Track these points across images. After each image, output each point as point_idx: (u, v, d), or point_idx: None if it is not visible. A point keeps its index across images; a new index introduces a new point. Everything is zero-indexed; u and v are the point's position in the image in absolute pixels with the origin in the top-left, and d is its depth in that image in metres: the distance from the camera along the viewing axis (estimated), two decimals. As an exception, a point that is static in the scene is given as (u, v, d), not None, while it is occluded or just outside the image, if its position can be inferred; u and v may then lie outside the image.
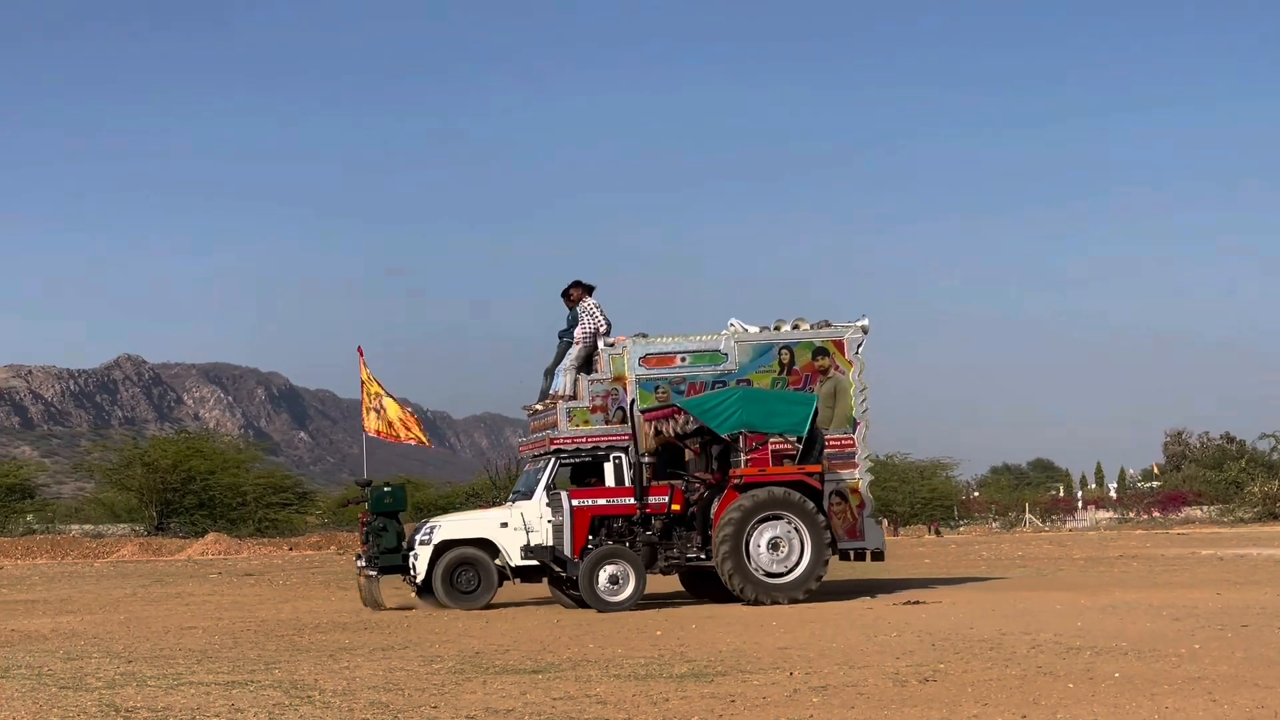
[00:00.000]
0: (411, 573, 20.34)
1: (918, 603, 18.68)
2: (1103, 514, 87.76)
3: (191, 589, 27.54)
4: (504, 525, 20.28)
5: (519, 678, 11.70)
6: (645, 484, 19.42)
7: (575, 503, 19.58)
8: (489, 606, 19.89)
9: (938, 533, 70.77)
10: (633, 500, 19.46)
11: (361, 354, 22.92)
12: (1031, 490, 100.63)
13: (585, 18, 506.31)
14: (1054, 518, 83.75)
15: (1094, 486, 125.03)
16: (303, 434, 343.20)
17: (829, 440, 20.08)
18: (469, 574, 20.11)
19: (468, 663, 12.85)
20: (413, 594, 20.64)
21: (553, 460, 20.14)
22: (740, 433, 19.37)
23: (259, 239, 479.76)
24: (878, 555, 20.75)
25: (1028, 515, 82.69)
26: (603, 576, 18.76)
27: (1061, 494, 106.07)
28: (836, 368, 20.79)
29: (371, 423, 22.82)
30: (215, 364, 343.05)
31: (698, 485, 19.66)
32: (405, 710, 10.11)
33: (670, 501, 19.46)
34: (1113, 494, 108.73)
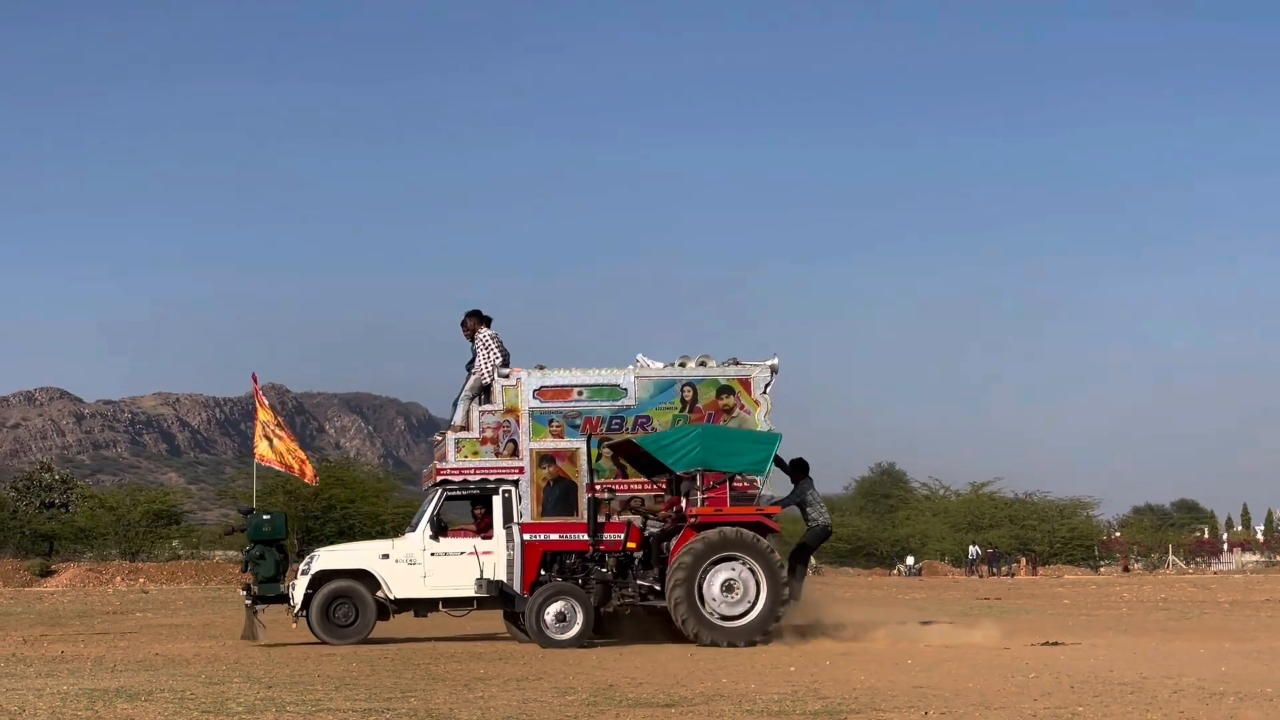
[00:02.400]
0: (291, 603, 20.21)
1: (1056, 644, 18.40)
2: (1249, 557, 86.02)
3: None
4: (385, 557, 20.09)
5: (652, 711, 11.70)
6: (599, 520, 19.25)
7: (526, 537, 19.44)
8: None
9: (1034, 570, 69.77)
10: (586, 536, 19.24)
11: (256, 381, 23.29)
12: (1175, 531, 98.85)
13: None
14: (1198, 560, 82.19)
15: (1240, 529, 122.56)
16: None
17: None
18: (345, 607, 19.89)
19: (601, 695, 12.87)
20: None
21: (439, 492, 20.03)
22: (697, 471, 19.03)
23: (404, 270, 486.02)
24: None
25: (1170, 557, 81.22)
26: (550, 613, 18.61)
27: (1206, 535, 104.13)
28: (742, 407, 20.27)
29: (263, 449, 23.24)
30: (356, 394, 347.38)
31: (657, 523, 19.44)
32: (539, 741, 10.15)
33: (626, 539, 19.24)
34: (1260, 536, 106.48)
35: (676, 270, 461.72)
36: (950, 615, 25.76)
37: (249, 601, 20.60)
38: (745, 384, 20.34)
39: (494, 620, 21.99)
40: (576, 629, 18.62)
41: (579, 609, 18.67)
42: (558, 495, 19.84)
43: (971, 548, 74.75)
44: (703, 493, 19.13)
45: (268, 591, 20.57)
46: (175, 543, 67.86)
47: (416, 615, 20.51)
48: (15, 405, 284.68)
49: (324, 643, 19.63)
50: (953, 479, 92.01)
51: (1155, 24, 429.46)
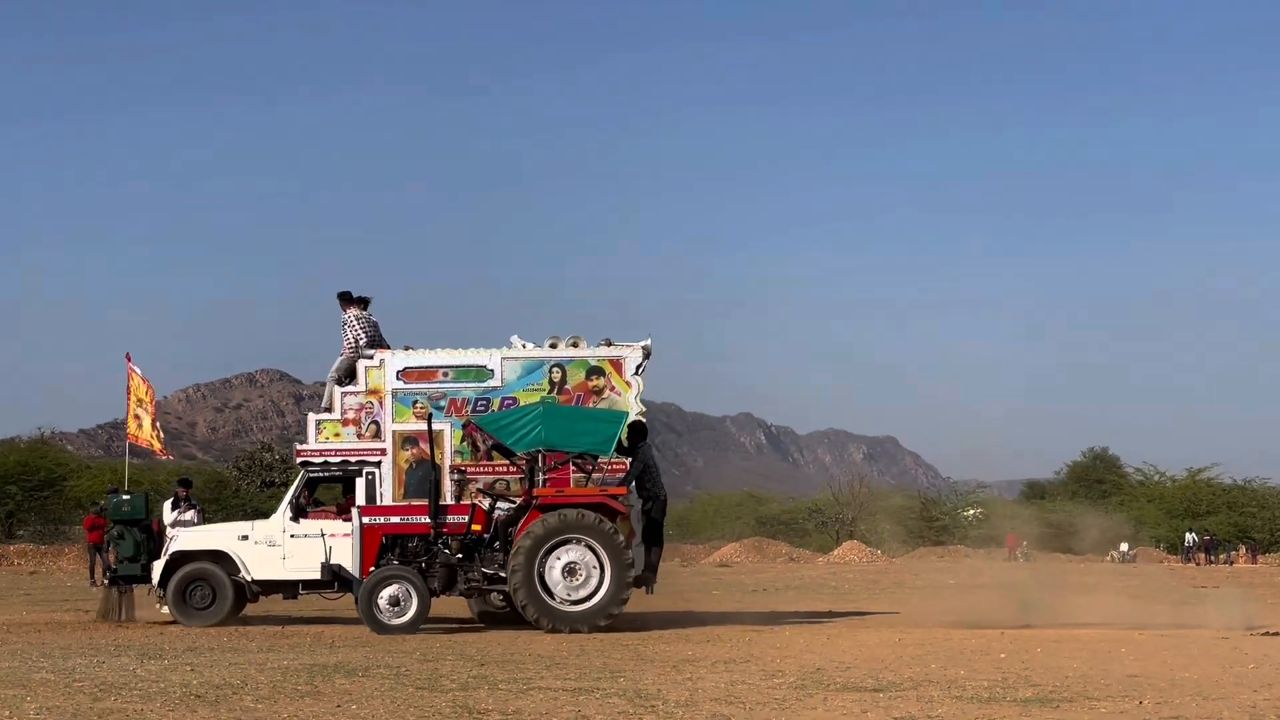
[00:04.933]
0: (153, 584, 20.05)
1: (1277, 634, 17.90)
2: None
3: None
4: (244, 538, 19.83)
5: (860, 695, 11.67)
6: (441, 502, 18.85)
7: (365, 520, 19.04)
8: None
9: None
10: (427, 519, 18.82)
11: (130, 360, 23.33)
12: None
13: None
14: None
15: None
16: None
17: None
18: (203, 589, 19.66)
19: (809, 678, 12.87)
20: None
21: (301, 473, 19.82)
22: (539, 451, 18.54)
23: (610, 239, 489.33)
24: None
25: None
26: (383, 597, 18.24)
27: None
28: (612, 388, 19.71)
29: (132, 427, 23.35)
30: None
31: (507, 506, 18.93)
32: (746, 723, 10.20)
33: (471, 521, 18.77)
34: None
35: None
36: (1168, 603, 25.22)
37: (106, 581, 20.70)
38: (617, 365, 19.80)
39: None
40: (411, 614, 18.21)
41: (414, 593, 18.26)
42: (419, 477, 19.41)
43: (1188, 535, 73.06)
44: (544, 473, 18.73)
45: (128, 571, 20.58)
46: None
47: (285, 598, 20.27)
48: (237, 386, 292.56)
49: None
50: (1167, 465, 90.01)
51: None
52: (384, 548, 18.95)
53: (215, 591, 19.67)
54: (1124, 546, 73.10)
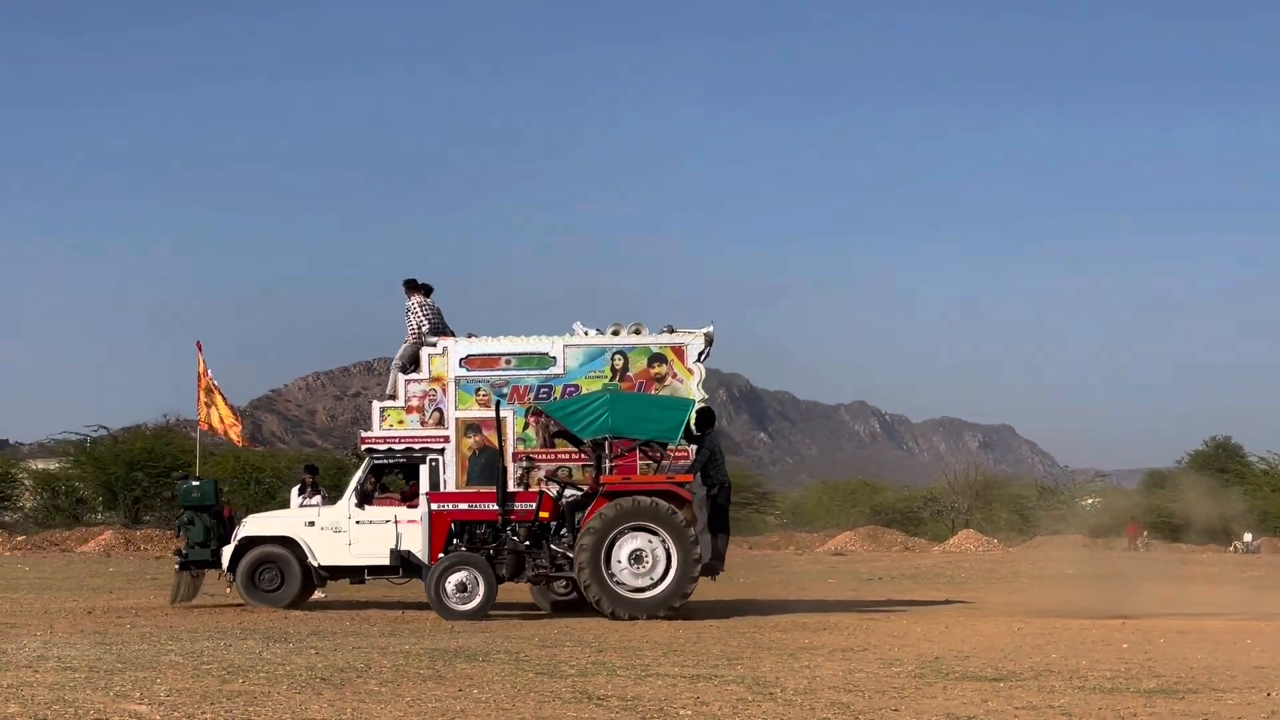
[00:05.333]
0: (223, 568, 20.32)
1: None
2: None
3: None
4: (310, 524, 20.01)
5: (980, 685, 11.60)
6: (510, 489, 18.82)
7: (435, 506, 19.00)
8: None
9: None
10: (496, 506, 18.78)
11: (200, 349, 23.26)
12: None
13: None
14: None
15: None
16: (762, 435, 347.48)
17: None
18: (271, 573, 19.90)
19: (927, 667, 12.81)
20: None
21: (367, 460, 19.91)
22: (605, 438, 18.50)
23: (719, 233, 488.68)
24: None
25: None
26: (450, 583, 18.22)
27: None
28: (674, 375, 19.65)
29: (203, 416, 23.23)
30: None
31: (575, 493, 18.88)
32: (865, 712, 10.18)
33: (538, 508, 18.68)
34: None
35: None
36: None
37: (178, 565, 21.05)
38: (679, 352, 19.79)
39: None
40: (478, 600, 18.23)
41: (481, 579, 18.27)
42: (483, 464, 19.51)
43: (1314, 525, 71.69)
44: (611, 460, 18.65)
45: (198, 556, 20.84)
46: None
47: (351, 583, 20.59)
48: (356, 375, 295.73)
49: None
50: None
51: None
52: (452, 534, 19.04)
53: (283, 575, 20.05)
54: (1248, 537, 71.92)
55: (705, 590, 20.36)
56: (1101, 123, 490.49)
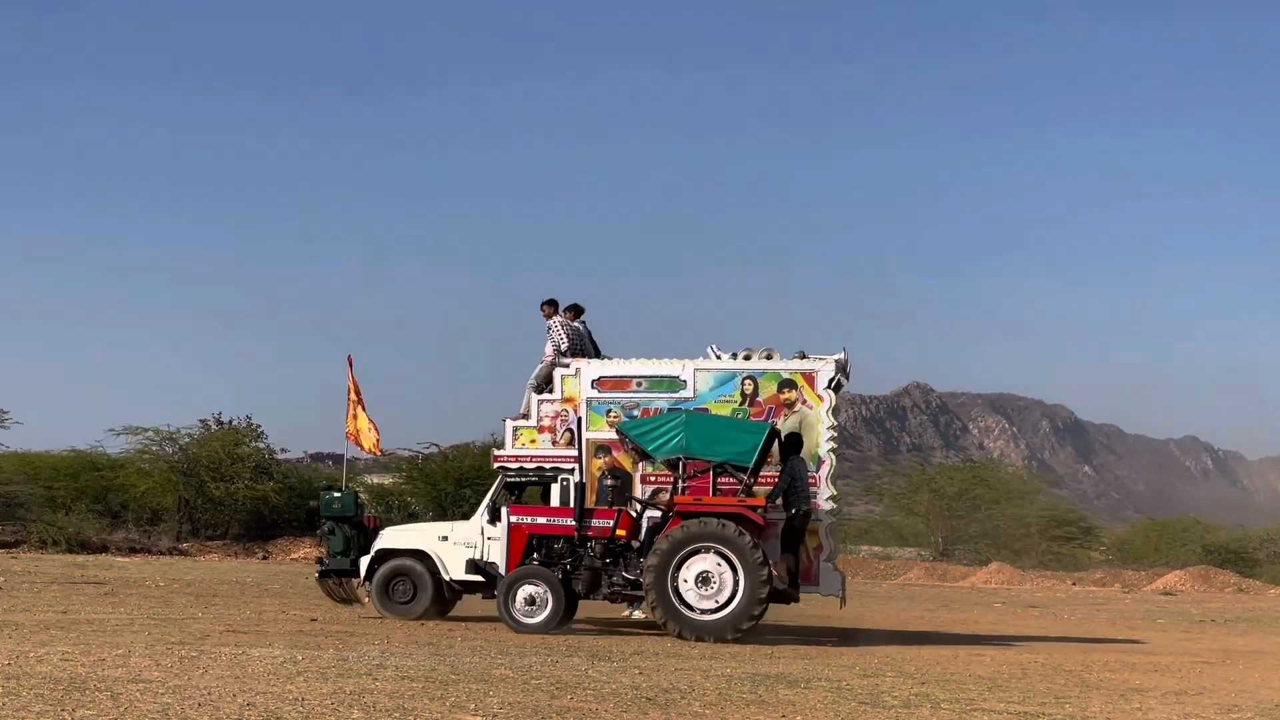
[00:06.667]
0: (360, 577, 20.63)
1: None
2: None
3: (976, 616, 27.94)
4: (444, 539, 20.18)
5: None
6: (586, 506, 18.77)
7: (513, 519, 18.99)
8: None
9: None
10: (573, 521, 18.63)
11: (351, 364, 23.17)
12: None
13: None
14: None
15: None
16: (1087, 468, 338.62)
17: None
18: (404, 584, 20.16)
19: (1268, 715, 12.33)
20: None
21: (500, 478, 19.97)
22: (679, 458, 18.34)
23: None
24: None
25: None
26: (520, 596, 18.16)
27: None
28: (804, 401, 19.36)
29: (350, 426, 23.22)
30: (1001, 394, 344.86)
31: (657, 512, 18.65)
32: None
33: (615, 526, 18.45)
34: None
35: None
36: None
37: (318, 574, 21.57)
38: (809, 378, 19.76)
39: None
40: (545, 614, 18.35)
41: (550, 594, 18.34)
42: (611, 486, 19.68)
43: None
44: (684, 481, 18.42)
45: (337, 565, 21.25)
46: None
47: (484, 597, 20.57)
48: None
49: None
50: None
51: None
52: (530, 548, 19.32)
53: (416, 587, 20.53)
54: None
55: (1027, 625, 20.03)
56: None
